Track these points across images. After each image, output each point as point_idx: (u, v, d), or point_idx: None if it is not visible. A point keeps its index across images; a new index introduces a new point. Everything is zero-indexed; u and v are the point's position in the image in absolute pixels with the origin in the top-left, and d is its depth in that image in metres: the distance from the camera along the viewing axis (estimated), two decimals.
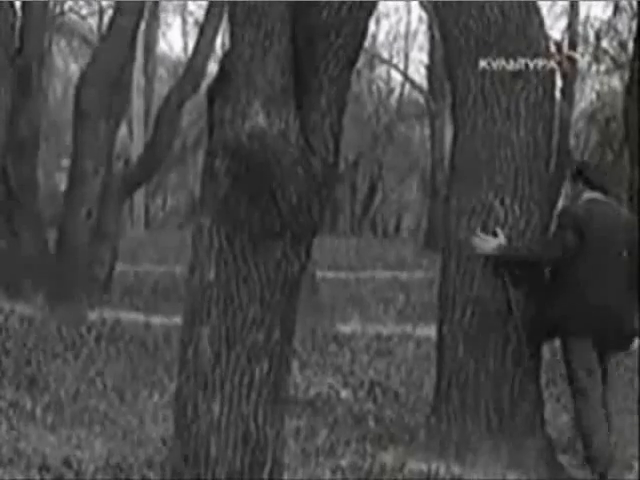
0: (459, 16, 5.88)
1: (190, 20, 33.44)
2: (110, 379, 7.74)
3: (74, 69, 31.77)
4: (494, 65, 5.80)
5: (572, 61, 6.45)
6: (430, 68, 26.99)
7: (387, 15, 35.31)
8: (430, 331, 6.59)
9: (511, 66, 5.79)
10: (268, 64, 3.53)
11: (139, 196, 26.62)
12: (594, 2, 26.99)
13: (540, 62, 5.81)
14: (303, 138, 3.59)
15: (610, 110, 27.94)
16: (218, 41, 19.38)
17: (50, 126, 27.88)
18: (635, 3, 19.80)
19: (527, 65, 5.78)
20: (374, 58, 32.24)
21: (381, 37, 35.21)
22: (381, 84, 34.87)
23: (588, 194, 5.77)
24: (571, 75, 22.15)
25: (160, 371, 8.08)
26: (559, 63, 5.99)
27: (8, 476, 5.33)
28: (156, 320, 10.99)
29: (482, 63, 5.80)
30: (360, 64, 25.49)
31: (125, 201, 15.02)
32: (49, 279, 12.28)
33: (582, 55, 24.33)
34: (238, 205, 3.63)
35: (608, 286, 5.59)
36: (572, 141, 26.82)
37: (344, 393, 7.61)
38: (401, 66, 32.95)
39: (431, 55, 26.78)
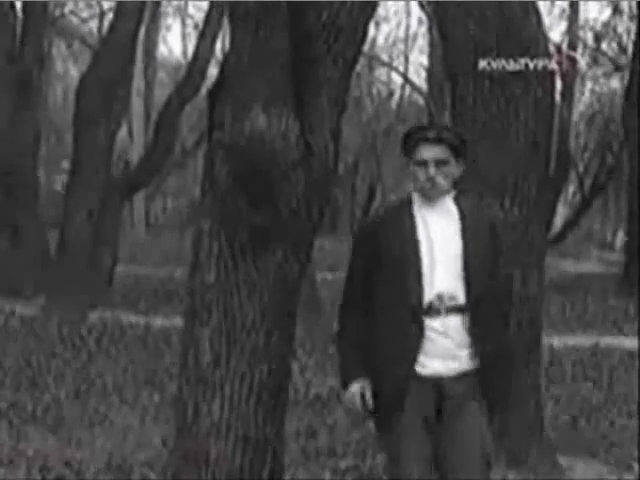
0: (458, 16, 5.86)
1: (190, 23, 33.45)
2: (110, 380, 7.75)
3: (74, 72, 31.78)
4: (494, 65, 5.76)
5: (572, 61, 6.40)
6: (430, 70, 27.01)
7: (386, 19, 35.27)
8: None
9: (511, 66, 5.75)
10: (268, 66, 3.53)
11: (139, 198, 26.62)
12: (592, 3, 27.01)
13: (540, 62, 5.78)
14: (303, 140, 3.60)
15: (609, 112, 28.00)
16: (218, 44, 19.40)
17: (50, 128, 27.92)
18: (634, 4, 19.80)
19: (527, 65, 5.75)
20: (374, 60, 32.22)
21: (381, 40, 35.19)
22: (381, 86, 34.86)
23: None
24: (571, 75, 22.14)
25: (160, 372, 8.09)
26: (559, 63, 5.96)
27: (9, 476, 5.33)
28: (156, 322, 11.01)
29: (482, 63, 5.77)
30: (360, 67, 25.49)
31: (125, 203, 15.03)
32: (50, 280, 12.30)
33: (582, 55, 24.34)
34: (238, 207, 3.62)
35: None
36: (572, 143, 26.85)
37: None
38: (401, 68, 32.96)
39: (431, 57, 26.79)
